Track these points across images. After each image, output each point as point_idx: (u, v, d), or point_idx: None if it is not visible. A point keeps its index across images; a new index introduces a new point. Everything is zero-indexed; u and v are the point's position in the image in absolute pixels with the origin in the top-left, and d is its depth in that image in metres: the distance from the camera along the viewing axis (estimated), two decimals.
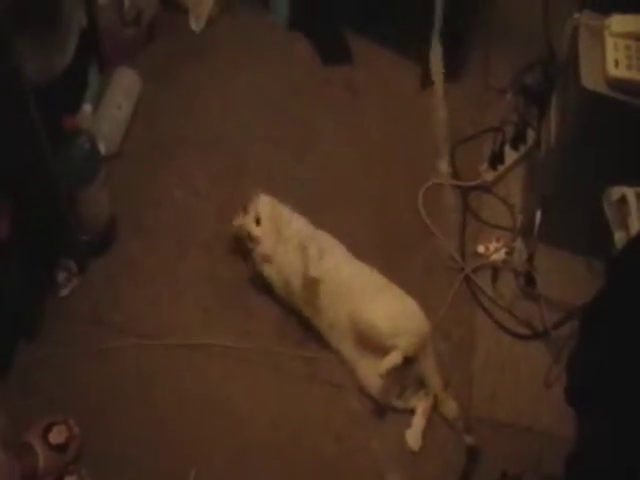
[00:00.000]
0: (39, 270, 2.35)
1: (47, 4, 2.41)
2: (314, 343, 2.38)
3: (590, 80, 2.26)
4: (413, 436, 2.25)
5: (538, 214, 2.50)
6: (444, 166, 2.56)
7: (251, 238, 2.40)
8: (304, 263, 2.33)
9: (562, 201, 2.47)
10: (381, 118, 2.84)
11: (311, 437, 2.25)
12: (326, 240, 2.41)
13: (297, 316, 2.40)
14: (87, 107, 2.60)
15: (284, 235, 2.41)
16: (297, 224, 2.44)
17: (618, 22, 2.31)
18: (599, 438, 1.78)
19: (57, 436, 2.12)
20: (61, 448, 2.12)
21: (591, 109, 2.30)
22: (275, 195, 2.49)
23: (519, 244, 2.58)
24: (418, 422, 2.27)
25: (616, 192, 2.10)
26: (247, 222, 2.40)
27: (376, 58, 2.94)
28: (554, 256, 2.54)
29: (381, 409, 2.29)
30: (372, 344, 2.27)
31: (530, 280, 2.50)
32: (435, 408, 2.30)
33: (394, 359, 2.20)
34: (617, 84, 2.23)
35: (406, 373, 2.29)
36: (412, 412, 2.29)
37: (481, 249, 2.58)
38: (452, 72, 2.92)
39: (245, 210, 2.42)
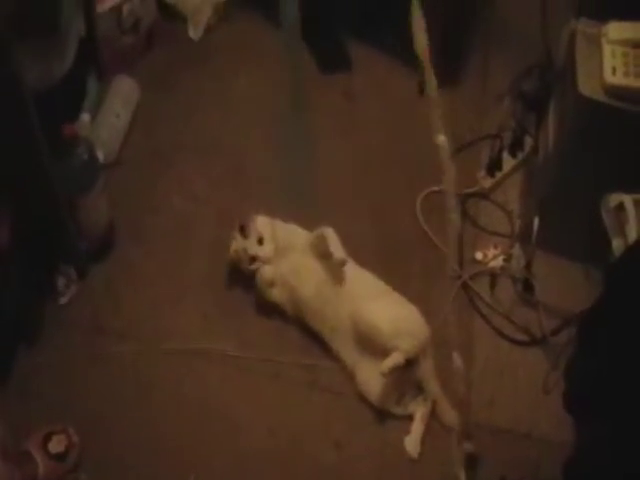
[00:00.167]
0: (39, 276, 2.36)
1: (46, 12, 2.42)
2: (314, 351, 2.38)
3: (587, 87, 2.27)
4: (412, 443, 2.26)
5: (536, 221, 2.50)
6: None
7: (256, 259, 2.40)
8: (323, 256, 2.36)
9: (560, 208, 2.47)
10: (379, 124, 2.84)
11: (310, 444, 2.25)
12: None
13: (297, 323, 2.41)
14: (86, 115, 2.62)
15: (287, 247, 2.42)
16: (296, 230, 2.46)
17: (615, 29, 2.31)
18: (597, 444, 1.78)
19: (57, 445, 2.13)
20: (61, 457, 2.12)
21: (588, 116, 2.30)
22: (274, 202, 2.51)
23: (517, 251, 2.58)
24: (417, 429, 2.27)
25: (614, 199, 2.10)
26: (250, 245, 2.40)
27: (374, 64, 2.94)
28: (552, 263, 2.54)
29: (380, 416, 2.30)
30: (373, 346, 2.27)
31: (528, 287, 2.50)
32: (434, 415, 2.30)
33: (396, 359, 2.21)
34: (614, 91, 2.23)
35: (405, 378, 2.29)
36: (411, 418, 2.29)
37: (479, 256, 2.58)
38: (450, 78, 2.92)
39: (243, 233, 2.42)
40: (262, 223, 2.43)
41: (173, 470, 2.19)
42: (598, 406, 1.77)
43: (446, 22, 2.79)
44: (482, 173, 2.72)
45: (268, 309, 2.43)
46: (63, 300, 2.40)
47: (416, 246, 2.60)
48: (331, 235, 2.36)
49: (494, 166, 2.72)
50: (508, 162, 2.75)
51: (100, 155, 2.54)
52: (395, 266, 2.51)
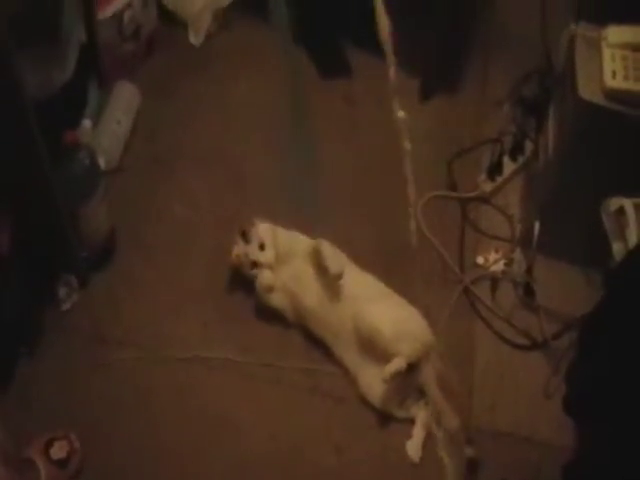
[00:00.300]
0: (40, 284, 2.35)
1: (47, 19, 2.42)
2: (315, 355, 2.38)
3: (587, 91, 2.27)
4: (413, 447, 2.26)
5: (537, 225, 2.50)
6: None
7: (257, 265, 2.40)
8: (320, 268, 2.36)
9: (560, 212, 2.48)
10: (380, 130, 2.81)
11: (311, 449, 2.25)
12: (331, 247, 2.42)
13: (298, 328, 2.41)
14: (87, 122, 2.60)
15: (288, 254, 2.43)
16: (298, 238, 2.46)
17: (615, 33, 2.31)
18: (597, 448, 1.78)
19: (58, 451, 2.12)
20: (62, 463, 2.12)
21: (588, 120, 2.30)
22: (275, 208, 2.51)
23: (518, 255, 2.59)
24: (418, 433, 2.28)
25: (614, 203, 2.10)
26: (251, 250, 2.40)
27: (374, 69, 2.90)
28: (553, 267, 2.55)
29: (381, 421, 2.30)
30: (375, 350, 2.28)
31: (529, 291, 2.51)
32: (436, 419, 2.30)
33: (398, 364, 2.21)
34: (614, 95, 2.24)
35: (408, 382, 2.29)
36: (412, 422, 2.30)
37: (480, 260, 2.59)
38: (450, 84, 2.93)
39: (245, 238, 2.42)
40: (264, 229, 2.43)
41: (174, 476, 2.19)
42: (598, 410, 1.77)
43: (446, 28, 2.80)
44: (483, 177, 2.73)
45: (269, 314, 2.43)
46: (64, 307, 2.40)
47: (417, 251, 2.59)
48: (326, 248, 2.36)
49: (495, 170, 2.73)
50: (509, 166, 2.76)
51: (101, 162, 2.54)
52: (396, 270, 2.50)
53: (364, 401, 2.31)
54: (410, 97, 2.91)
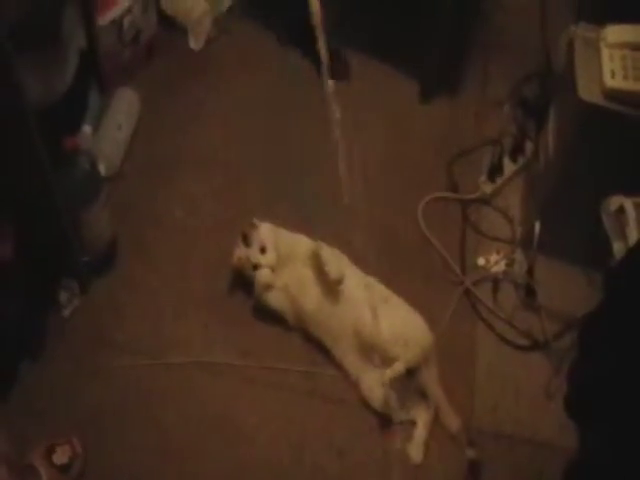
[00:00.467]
0: (42, 290, 2.36)
1: (47, 26, 2.42)
2: (316, 358, 2.39)
3: (587, 91, 2.27)
4: (415, 449, 2.26)
5: (537, 225, 2.50)
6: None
7: (258, 267, 2.40)
8: (320, 272, 2.36)
9: (561, 212, 2.48)
10: (380, 132, 2.85)
11: (313, 453, 2.25)
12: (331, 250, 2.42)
13: (298, 331, 2.42)
14: (87, 128, 2.63)
15: (290, 256, 2.43)
16: (300, 240, 2.46)
17: (613, 33, 2.32)
18: (598, 449, 1.78)
19: (61, 456, 2.13)
20: (65, 468, 2.13)
21: (588, 120, 2.30)
22: (276, 211, 2.52)
23: (519, 256, 2.59)
24: (420, 435, 2.28)
25: (614, 202, 2.10)
26: (252, 253, 2.40)
27: (373, 73, 2.95)
28: (554, 267, 2.55)
29: (383, 423, 2.30)
30: (376, 353, 2.28)
31: (530, 292, 2.51)
32: (438, 421, 2.30)
33: (397, 369, 2.22)
34: (614, 95, 2.24)
35: (408, 384, 2.29)
36: (413, 424, 2.30)
37: (481, 261, 2.59)
38: (450, 85, 2.94)
39: (246, 241, 2.42)
40: (265, 231, 2.43)
41: None
42: (599, 410, 1.77)
43: (446, 30, 2.80)
44: (483, 179, 2.73)
45: (269, 317, 2.43)
46: (66, 313, 2.40)
47: (418, 253, 2.60)
48: (326, 252, 2.37)
49: (495, 172, 2.73)
50: (509, 167, 2.76)
51: (102, 168, 2.54)
52: (397, 272, 2.52)
53: (365, 404, 2.31)
54: (410, 99, 2.92)
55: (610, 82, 2.24)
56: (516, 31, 3.05)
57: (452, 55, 2.92)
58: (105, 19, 2.73)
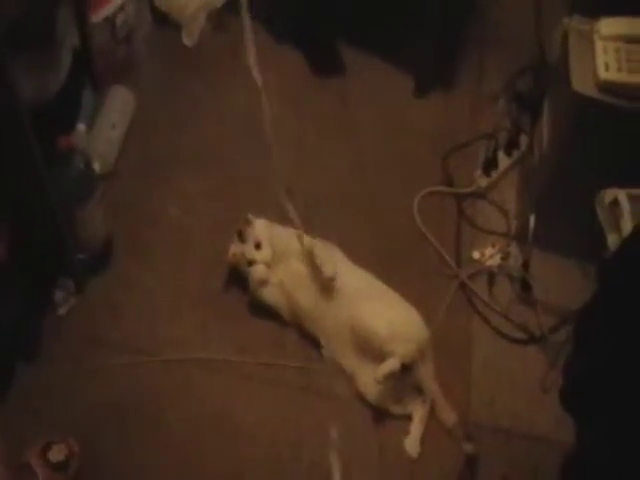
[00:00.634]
0: (37, 290, 2.36)
1: (41, 25, 2.42)
2: (312, 354, 2.38)
3: (581, 84, 2.27)
4: (411, 444, 2.26)
5: (532, 219, 2.51)
6: None
7: (253, 264, 2.40)
8: (314, 269, 2.36)
9: (556, 205, 2.47)
10: (375, 127, 2.85)
11: (310, 448, 2.25)
12: (324, 248, 2.42)
13: (294, 329, 2.42)
14: (81, 127, 2.63)
15: (285, 252, 2.43)
16: (295, 236, 2.45)
17: (607, 25, 2.31)
18: (594, 441, 1.78)
19: (57, 454, 2.12)
20: (61, 466, 2.12)
21: (582, 113, 2.30)
22: (271, 208, 2.51)
23: (514, 249, 2.59)
24: (416, 429, 2.28)
25: (609, 195, 2.10)
26: (247, 249, 2.40)
27: (368, 68, 2.95)
28: (549, 260, 2.55)
29: (379, 418, 2.30)
30: (371, 350, 2.28)
31: (526, 285, 2.51)
32: (434, 415, 2.30)
33: (391, 365, 2.22)
34: (608, 87, 2.24)
35: (404, 379, 2.29)
36: (409, 419, 2.30)
37: (476, 255, 2.59)
38: (445, 79, 2.94)
39: (241, 238, 2.42)
40: (260, 227, 2.44)
41: (173, 478, 2.20)
42: (594, 402, 1.77)
43: (441, 25, 2.80)
44: (478, 172, 2.72)
45: (265, 314, 2.43)
46: (61, 312, 2.40)
47: (413, 247, 2.60)
48: (319, 250, 2.37)
49: (490, 165, 2.73)
50: (504, 161, 2.76)
51: (96, 166, 2.54)
52: (393, 267, 2.51)
53: (361, 399, 2.31)
54: (405, 93, 2.92)
55: (604, 75, 2.24)
56: (511, 25, 3.04)
57: (447, 50, 2.92)
58: (98, 17, 2.72)
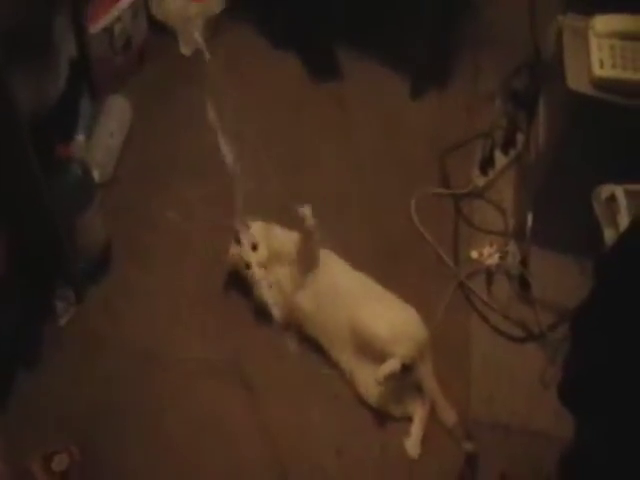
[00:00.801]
0: (37, 299, 2.36)
1: (38, 35, 2.44)
2: (311, 357, 2.39)
3: (576, 81, 2.28)
4: (412, 444, 2.26)
5: (530, 217, 2.51)
6: None
7: (249, 266, 2.41)
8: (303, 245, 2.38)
9: (553, 202, 2.48)
10: (372, 130, 2.86)
11: (311, 450, 2.25)
12: (322, 251, 2.43)
13: (293, 330, 2.42)
14: (80, 136, 2.64)
15: (282, 253, 2.43)
16: (292, 237, 2.45)
17: (601, 22, 2.32)
18: (593, 438, 1.78)
19: (59, 464, 2.13)
20: (63, 475, 2.12)
21: (578, 110, 2.31)
22: (269, 210, 2.52)
23: (512, 247, 2.59)
24: (416, 430, 2.28)
25: (605, 190, 2.10)
26: (244, 251, 2.42)
27: (365, 71, 2.95)
28: (547, 258, 2.55)
29: (379, 419, 2.30)
30: (371, 351, 2.28)
31: (524, 283, 2.51)
32: (434, 415, 2.30)
33: (392, 366, 2.22)
34: (602, 84, 2.25)
35: (404, 380, 2.29)
36: (410, 420, 2.30)
37: (475, 254, 2.59)
38: (440, 79, 2.95)
39: (239, 240, 2.43)
40: (256, 228, 2.44)
41: None
42: (593, 398, 1.77)
43: (435, 25, 2.81)
44: (476, 172, 2.73)
45: (264, 316, 2.44)
46: (62, 322, 2.40)
47: (411, 247, 2.61)
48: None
49: (487, 164, 2.73)
50: (501, 160, 2.76)
51: (96, 175, 2.56)
52: (391, 267, 2.53)
53: (361, 401, 2.32)
54: (402, 94, 2.93)
55: (599, 71, 2.25)
56: (505, 24, 3.04)
57: (441, 50, 2.93)
58: (96, 27, 2.74)
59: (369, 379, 2.28)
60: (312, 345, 2.39)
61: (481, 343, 2.45)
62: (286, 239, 2.45)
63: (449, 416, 2.28)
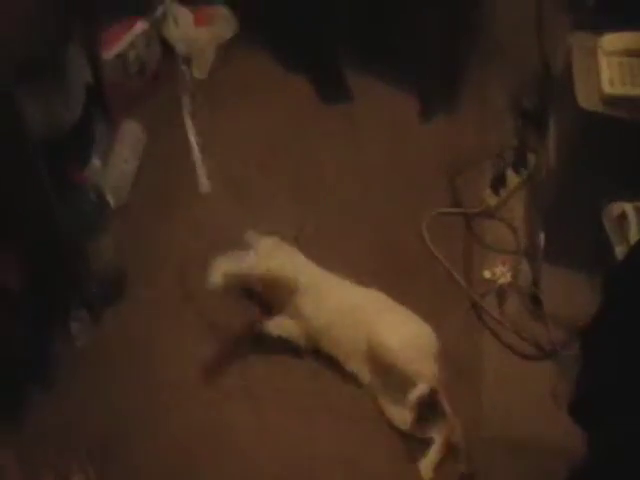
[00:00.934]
0: (51, 320, 2.39)
1: (53, 63, 2.47)
2: (325, 375, 2.39)
3: (586, 99, 2.29)
4: (426, 466, 2.24)
5: (542, 235, 2.51)
6: None
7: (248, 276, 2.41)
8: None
9: (564, 220, 2.47)
10: (382, 150, 2.87)
11: (322, 469, 2.25)
12: (331, 278, 2.45)
13: (306, 350, 2.42)
14: (96, 161, 2.66)
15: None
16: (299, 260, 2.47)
17: (610, 41, 2.33)
18: (603, 455, 1.78)
19: None
20: None
21: (588, 128, 2.31)
22: (282, 230, 2.55)
23: (524, 266, 2.59)
24: (434, 453, 2.25)
25: (616, 208, 2.11)
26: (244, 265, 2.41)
27: (375, 91, 2.97)
28: (559, 276, 2.53)
29: (392, 438, 2.29)
30: (391, 370, 2.28)
31: (536, 301, 2.51)
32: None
33: (421, 391, 2.22)
34: (613, 101, 2.26)
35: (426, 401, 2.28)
36: (425, 440, 2.29)
37: (487, 274, 2.59)
38: (450, 100, 2.96)
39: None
40: (264, 242, 2.48)
41: None
42: (603, 413, 1.77)
43: (443, 48, 2.82)
44: (487, 191, 2.73)
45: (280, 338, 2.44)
46: (78, 343, 2.42)
47: (423, 266, 2.61)
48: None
49: (499, 184, 2.73)
50: (512, 179, 2.77)
51: (110, 200, 2.58)
52: (403, 287, 2.51)
53: (374, 419, 2.31)
54: (411, 115, 2.95)
55: (609, 89, 2.25)
56: (514, 44, 3.05)
57: (450, 72, 2.94)
58: (110, 54, 2.78)
59: (397, 404, 2.28)
60: (325, 362, 2.40)
61: (493, 360, 2.44)
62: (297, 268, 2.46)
63: (457, 433, 2.26)
